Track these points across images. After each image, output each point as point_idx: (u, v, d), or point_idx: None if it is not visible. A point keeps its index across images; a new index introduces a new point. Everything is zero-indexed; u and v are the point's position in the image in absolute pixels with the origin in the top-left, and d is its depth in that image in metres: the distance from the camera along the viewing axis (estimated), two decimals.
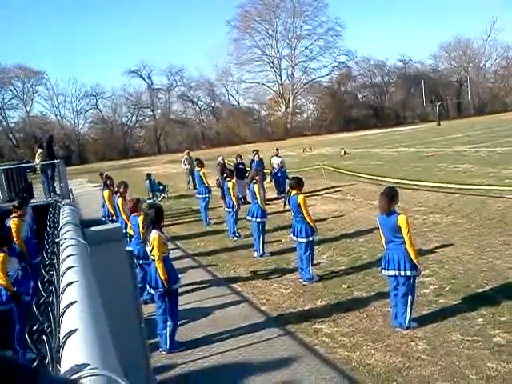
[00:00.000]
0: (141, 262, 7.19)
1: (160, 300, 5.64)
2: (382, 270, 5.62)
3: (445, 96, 79.21)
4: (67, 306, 0.98)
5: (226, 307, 6.78)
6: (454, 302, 6.02)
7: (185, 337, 5.89)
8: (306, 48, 79.09)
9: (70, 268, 1.24)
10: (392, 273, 5.44)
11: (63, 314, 0.97)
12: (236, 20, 78.09)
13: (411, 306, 5.45)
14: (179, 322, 5.86)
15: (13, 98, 67.71)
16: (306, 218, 7.33)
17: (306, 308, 6.46)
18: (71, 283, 1.10)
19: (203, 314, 6.55)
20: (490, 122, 48.22)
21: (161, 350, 5.61)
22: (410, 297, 5.42)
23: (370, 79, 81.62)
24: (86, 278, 1.17)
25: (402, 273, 5.35)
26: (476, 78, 79.66)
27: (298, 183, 7.59)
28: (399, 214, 5.41)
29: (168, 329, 5.58)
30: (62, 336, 0.88)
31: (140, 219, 7.34)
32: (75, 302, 0.99)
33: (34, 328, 0.88)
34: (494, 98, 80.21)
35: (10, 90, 67.34)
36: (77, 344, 0.83)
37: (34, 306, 1.01)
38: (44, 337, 0.86)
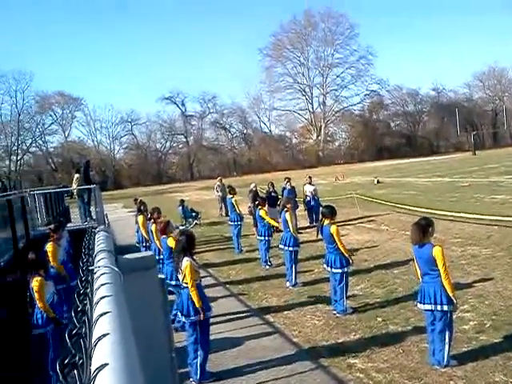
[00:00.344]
0: (173, 283, 7.18)
1: (191, 328, 5.56)
2: (418, 304, 5.41)
3: (480, 125, 77.99)
4: (99, 338, 0.94)
5: (257, 338, 6.64)
6: (496, 340, 5.72)
7: (216, 367, 5.78)
8: (337, 76, 79.74)
9: (103, 298, 1.21)
10: (428, 307, 5.22)
11: (95, 346, 0.93)
12: (268, 48, 79.69)
13: (449, 342, 5.19)
14: (210, 352, 5.77)
15: (52, 123, 70.54)
16: (340, 248, 7.18)
17: (340, 341, 6.26)
18: (104, 314, 1.07)
19: (234, 344, 6.43)
20: None
21: (191, 379, 5.51)
22: (447, 332, 5.17)
23: (403, 108, 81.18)
24: (118, 309, 1.13)
25: (439, 307, 5.12)
26: None
27: (331, 212, 7.47)
28: (434, 245, 5.22)
29: (199, 358, 5.48)
30: (92, 370, 0.84)
31: (169, 241, 7.40)
32: (107, 334, 0.95)
33: (66, 361, 0.85)
34: None
35: (51, 115, 70.21)
36: (107, 379, 0.80)
37: (66, 337, 0.98)
38: (75, 371, 0.83)
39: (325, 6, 76.00)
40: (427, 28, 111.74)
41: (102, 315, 1.05)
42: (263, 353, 6.08)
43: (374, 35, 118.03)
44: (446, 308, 5.11)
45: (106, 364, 0.83)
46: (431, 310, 5.22)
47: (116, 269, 1.62)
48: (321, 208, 10.70)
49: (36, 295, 5.59)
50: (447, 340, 5.16)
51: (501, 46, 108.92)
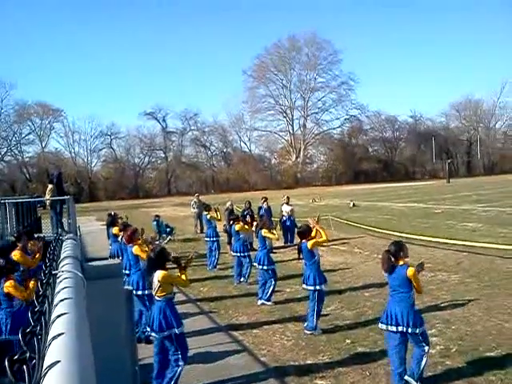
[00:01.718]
0: (139, 292, 7.09)
1: (159, 344, 5.48)
2: (380, 324, 5.41)
3: (455, 154, 79.81)
4: (54, 338, 0.94)
5: (225, 356, 6.59)
6: (461, 365, 5.80)
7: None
8: (318, 100, 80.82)
9: (63, 300, 1.21)
10: (393, 328, 5.23)
11: (49, 345, 0.93)
12: (252, 69, 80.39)
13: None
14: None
15: (30, 133, 69.34)
16: (322, 233, 7.31)
17: (308, 362, 6.25)
18: (61, 315, 1.07)
19: (201, 361, 6.36)
20: (499, 182, 48.17)
21: None
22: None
23: (381, 133, 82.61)
24: (77, 311, 1.13)
25: (410, 330, 5.14)
26: (486, 137, 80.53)
27: (307, 231, 7.55)
28: (408, 266, 5.27)
29: (169, 374, 5.37)
30: (44, 367, 0.84)
31: (135, 249, 7.33)
32: (62, 333, 0.95)
33: (16, 357, 0.85)
34: (503, 159, 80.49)
35: (29, 125, 69.05)
36: (58, 377, 0.79)
37: (19, 336, 0.98)
38: (25, 367, 0.83)
39: (309, 31, 76.94)
40: (407, 56, 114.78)
41: (59, 316, 1.06)
42: (230, 371, 6.03)
43: (355, 62, 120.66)
44: (410, 330, 5.13)
45: (58, 361, 0.83)
46: (396, 332, 5.22)
47: (80, 274, 1.61)
48: (296, 229, 10.75)
49: (14, 294, 5.51)
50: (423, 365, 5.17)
51: (478, 77, 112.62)
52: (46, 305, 1.19)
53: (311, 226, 7.63)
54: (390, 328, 5.23)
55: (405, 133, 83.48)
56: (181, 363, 5.39)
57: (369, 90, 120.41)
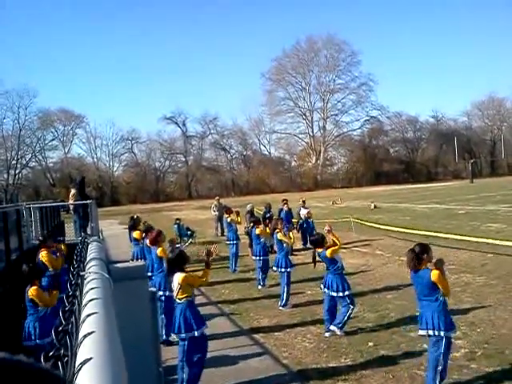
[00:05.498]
0: (160, 293, 7.17)
1: (182, 345, 5.53)
2: (419, 330, 5.36)
3: (478, 154, 78.51)
4: (85, 336, 0.98)
5: (246, 358, 6.60)
6: (487, 369, 5.69)
7: None
8: (338, 102, 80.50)
9: (91, 300, 1.25)
10: (424, 332, 5.19)
11: (81, 343, 0.97)
12: (270, 72, 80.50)
13: (442, 371, 5.12)
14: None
15: (53, 139, 70.72)
16: (336, 241, 7.34)
17: (330, 365, 6.22)
18: (91, 314, 1.10)
19: (223, 364, 6.38)
20: None
21: None
22: (441, 360, 5.10)
23: (402, 134, 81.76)
24: (106, 311, 1.17)
25: (437, 332, 5.07)
26: (510, 136, 78.85)
27: (321, 240, 7.53)
28: (431, 269, 5.18)
29: (185, 375, 5.42)
30: (77, 364, 0.87)
31: (159, 251, 7.41)
32: (93, 332, 0.99)
33: (50, 354, 0.88)
34: None
35: (52, 131, 70.45)
36: (91, 372, 0.83)
37: (52, 333, 1.02)
38: (59, 363, 0.86)
39: (327, 32, 76.70)
40: (428, 56, 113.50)
41: (89, 315, 1.09)
42: (252, 373, 6.04)
43: (375, 62, 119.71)
44: (442, 334, 5.06)
45: (90, 358, 0.86)
46: (428, 336, 5.18)
47: (106, 275, 1.66)
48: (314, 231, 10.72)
49: (37, 301, 5.62)
50: (440, 368, 5.09)
51: (500, 75, 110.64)
52: (76, 305, 1.24)
53: (326, 232, 7.61)
54: (420, 332, 5.23)
55: (426, 133, 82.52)
56: (201, 365, 5.44)
57: (389, 90, 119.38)
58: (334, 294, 7.17)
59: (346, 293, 7.15)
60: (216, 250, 6.22)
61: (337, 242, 7.41)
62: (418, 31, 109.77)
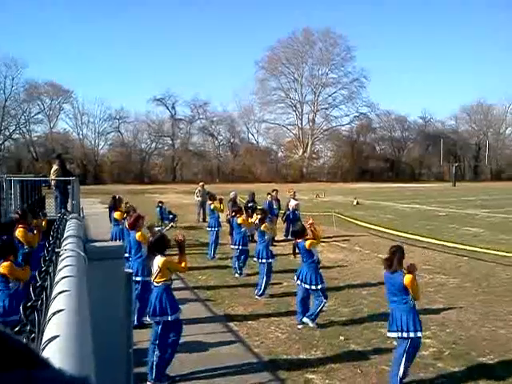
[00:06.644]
0: (138, 278, 7.16)
1: (156, 328, 5.56)
2: (387, 332, 5.47)
3: (462, 157, 79.44)
4: (54, 313, 0.98)
5: (219, 345, 6.65)
6: (453, 369, 5.84)
7: (173, 371, 5.75)
8: (329, 95, 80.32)
9: (64, 277, 1.24)
10: (394, 335, 5.30)
11: (49, 320, 0.97)
12: (264, 61, 79.99)
13: (405, 368, 5.25)
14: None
15: (39, 112, 69.31)
16: (316, 235, 7.40)
17: (300, 356, 6.31)
18: (63, 292, 1.11)
19: (195, 349, 6.42)
20: (505, 188, 47.93)
21: (148, 381, 5.48)
22: (404, 358, 5.22)
23: (390, 133, 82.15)
24: (78, 289, 1.17)
25: (405, 334, 5.18)
26: (495, 143, 79.97)
27: (302, 231, 7.60)
28: (405, 273, 5.27)
29: (155, 359, 5.45)
30: (43, 341, 0.87)
31: (138, 235, 7.38)
32: (63, 309, 0.99)
33: (16, 329, 0.89)
34: (511, 166, 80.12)
35: (38, 104, 69.08)
36: (55, 351, 0.83)
37: (21, 309, 1.02)
38: (25, 340, 0.86)
39: (323, 25, 76.35)
40: (421, 57, 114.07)
41: (60, 293, 1.09)
42: (223, 360, 6.09)
43: (368, 59, 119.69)
44: (411, 334, 5.17)
45: (57, 336, 0.87)
46: (397, 337, 5.30)
47: (82, 253, 1.65)
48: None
49: (9, 276, 5.53)
50: (403, 365, 5.20)
51: (491, 82, 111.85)
52: (48, 281, 1.24)
53: (308, 225, 7.67)
54: (391, 335, 5.34)
55: (414, 133, 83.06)
56: (172, 349, 5.48)
57: (380, 88, 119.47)
58: (307, 286, 7.25)
59: (319, 286, 7.23)
60: (179, 236, 6.08)
61: (316, 238, 7.50)
62: (417, 31, 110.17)
